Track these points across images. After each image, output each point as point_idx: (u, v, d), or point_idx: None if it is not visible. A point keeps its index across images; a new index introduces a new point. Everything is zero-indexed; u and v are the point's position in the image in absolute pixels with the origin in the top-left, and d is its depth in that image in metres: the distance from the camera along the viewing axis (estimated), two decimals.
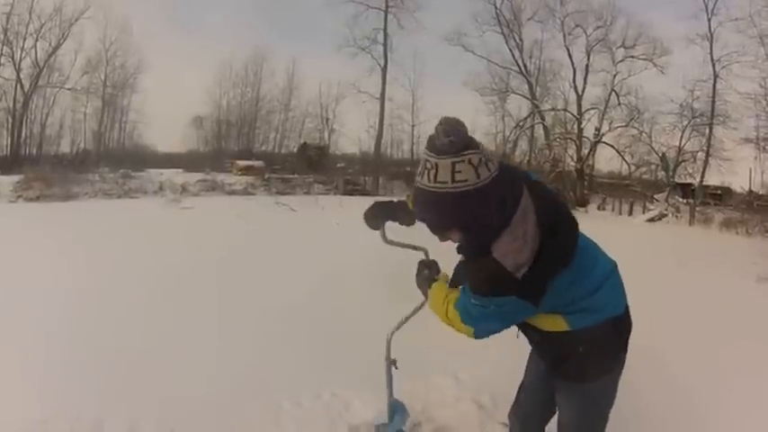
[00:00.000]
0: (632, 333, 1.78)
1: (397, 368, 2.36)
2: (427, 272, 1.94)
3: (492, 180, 1.39)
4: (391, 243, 2.14)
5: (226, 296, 5.15)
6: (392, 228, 2.12)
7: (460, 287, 1.67)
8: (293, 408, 2.99)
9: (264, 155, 30.37)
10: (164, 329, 4.07)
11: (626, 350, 1.76)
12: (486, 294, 1.48)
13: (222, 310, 4.68)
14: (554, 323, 1.62)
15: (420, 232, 1.80)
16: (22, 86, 26.28)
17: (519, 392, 2.11)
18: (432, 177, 1.38)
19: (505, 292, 1.44)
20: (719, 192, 21.80)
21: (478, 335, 1.62)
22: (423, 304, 2.05)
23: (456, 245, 1.60)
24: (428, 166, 1.39)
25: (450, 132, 1.37)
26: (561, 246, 1.48)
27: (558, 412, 1.90)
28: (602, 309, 1.62)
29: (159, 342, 3.80)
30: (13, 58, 25.79)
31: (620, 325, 1.71)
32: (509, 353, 2.11)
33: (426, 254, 2.11)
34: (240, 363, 3.53)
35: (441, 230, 1.53)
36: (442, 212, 1.42)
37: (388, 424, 2.44)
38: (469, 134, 1.41)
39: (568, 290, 1.53)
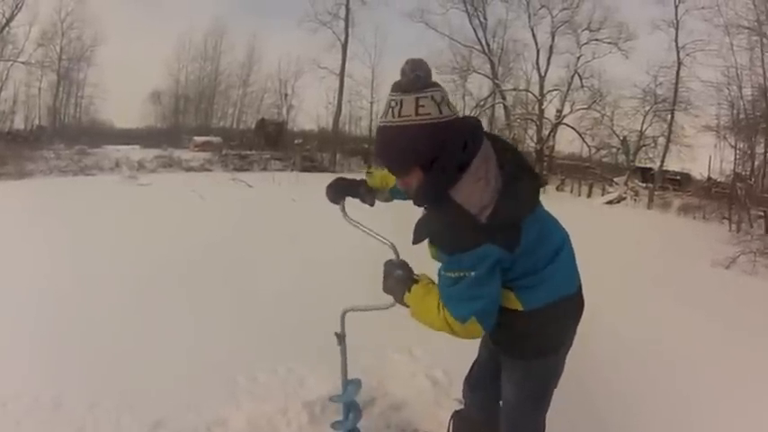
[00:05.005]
0: (589, 313, 1.75)
1: (340, 344, 2.10)
2: (401, 272, 1.67)
3: (454, 119, 1.43)
4: (352, 223, 1.95)
5: (183, 275, 5.04)
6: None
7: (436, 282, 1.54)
8: (248, 382, 2.96)
9: (222, 131, 29.72)
10: (122, 311, 3.93)
11: (575, 332, 1.75)
12: (456, 250, 1.41)
13: (180, 289, 4.58)
14: (506, 301, 1.55)
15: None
16: None
17: (473, 364, 2.08)
18: (396, 113, 1.42)
19: (474, 242, 1.38)
20: (679, 177, 22.10)
21: (484, 323, 1.47)
22: (391, 305, 1.74)
23: (413, 200, 1.54)
24: (392, 104, 1.43)
25: (416, 68, 1.41)
26: (523, 189, 1.45)
27: (502, 388, 1.86)
28: (554, 285, 1.58)
29: (118, 323, 3.68)
30: None
31: (571, 305, 1.69)
32: None
33: (396, 251, 1.77)
34: (197, 340, 3.46)
35: (402, 168, 1.49)
36: (405, 146, 1.42)
37: (340, 395, 2.21)
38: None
39: (527, 258, 1.50)
